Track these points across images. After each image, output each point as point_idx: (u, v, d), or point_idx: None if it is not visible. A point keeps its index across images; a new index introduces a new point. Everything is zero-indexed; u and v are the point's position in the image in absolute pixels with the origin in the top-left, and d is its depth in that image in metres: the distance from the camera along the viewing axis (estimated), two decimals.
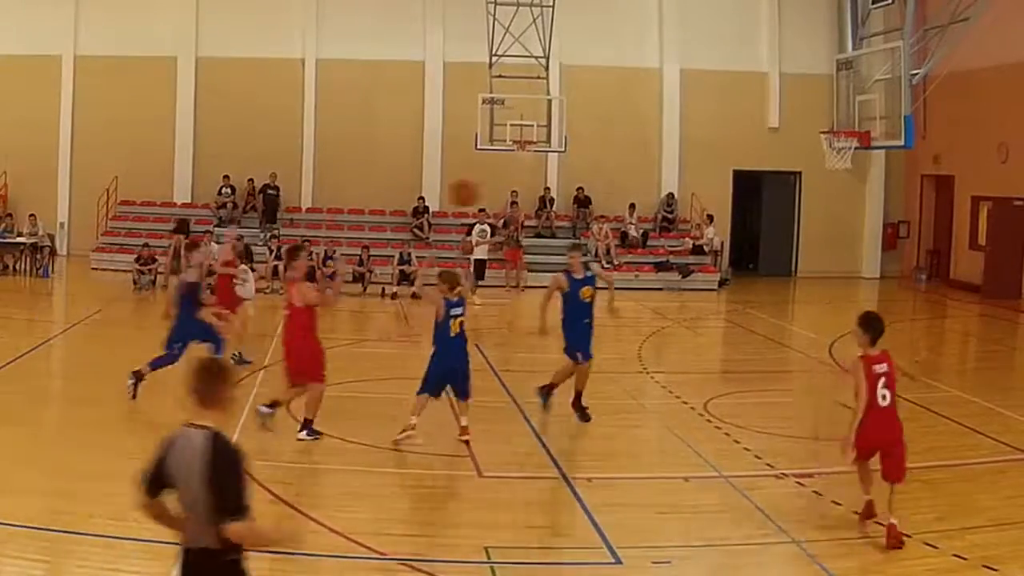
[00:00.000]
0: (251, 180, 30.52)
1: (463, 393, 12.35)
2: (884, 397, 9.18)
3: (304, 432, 12.15)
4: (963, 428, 13.44)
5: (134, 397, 13.52)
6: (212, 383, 5.41)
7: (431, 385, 12.18)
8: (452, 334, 12.11)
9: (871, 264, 33.04)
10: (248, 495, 5.24)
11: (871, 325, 9.47)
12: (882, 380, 9.19)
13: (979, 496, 10.64)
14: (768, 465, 11.69)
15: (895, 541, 9.06)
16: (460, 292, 12.29)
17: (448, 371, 12.18)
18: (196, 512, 5.28)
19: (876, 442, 9.23)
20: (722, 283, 29.99)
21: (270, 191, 30.28)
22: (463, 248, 25.78)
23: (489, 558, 8.72)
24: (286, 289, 12.59)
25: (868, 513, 9.49)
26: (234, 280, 16.90)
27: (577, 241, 15.64)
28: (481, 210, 27.42)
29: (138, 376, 13.67)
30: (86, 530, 8.82)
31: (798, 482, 11.04)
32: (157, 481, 5.43)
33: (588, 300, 13.44)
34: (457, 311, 12.16)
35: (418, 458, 11.71)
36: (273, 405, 12.23)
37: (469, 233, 26.45)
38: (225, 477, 5.21)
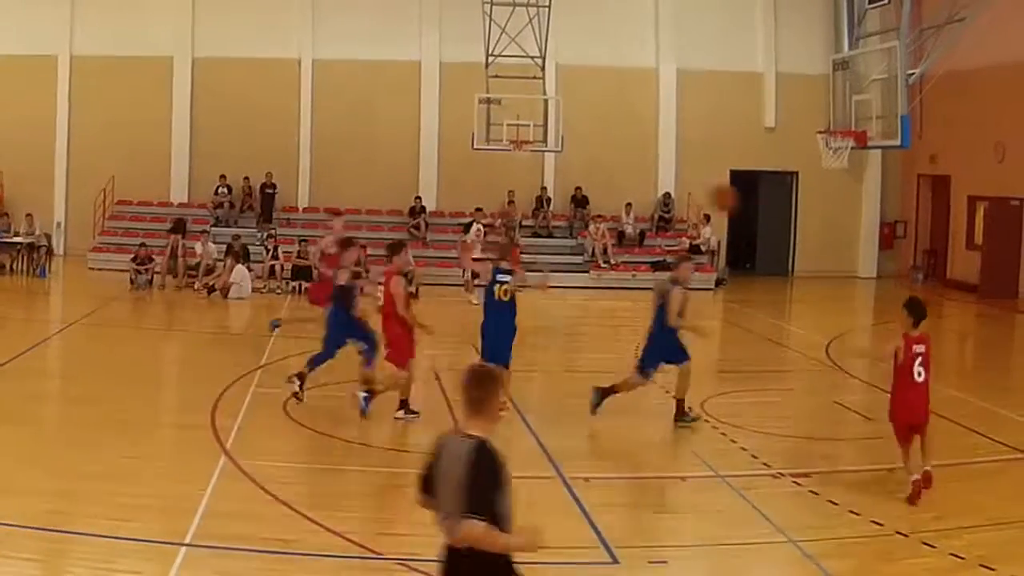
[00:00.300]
0: (247, 178, 30.49)
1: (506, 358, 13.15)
2: (919, 374, 10.29)
3: (401, 411, 13.06)
4: (960, 428, 13.46)
5: (301, 400, 13.61)
6: (484, 391, 5.58)
7: (493, 356, 12.92)
8: (496, 297, 13.21)
9: (868, 264, 33.06)
10: (500, 504, 5.40)
11: (915, 308, 10.54)
12: (919, 359, 10.30)
13: (977, 496, 10.65)
14: (765, 464, 11.71)
15: (928, 484, 10.31)
16: (509, 264, 13.46)
17: (499, 334, 13.14)
18: (453, 513, 5.48)
19: (912, 419, 10.40)
20: (719, 283, 30.00)
21: (268, 190, 30.28)
22: (462, 248, 25.72)
23: None
24: (384, 280, 13.32)
25: (917, 493, 10.26)
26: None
27: (687, 254, 16.04)
28: (478, 209, 27.41)
29: (301, 377, 13.70)
30: (85, 530, 8.82)
31: (795, 481, 11.05)
32: (430, 481, 5.68)
33: None
34: (503, 278, 13.27)
35: (415, 458, 11.68)
36: (403, 405, 13.15)
37: (466, 232, 26.46)
38: (477, 480, 5.39)
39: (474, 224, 26.61)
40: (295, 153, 31.36)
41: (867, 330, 24.21)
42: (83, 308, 22.28)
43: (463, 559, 5.48)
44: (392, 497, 10.37)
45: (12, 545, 8.39)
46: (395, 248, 13.60)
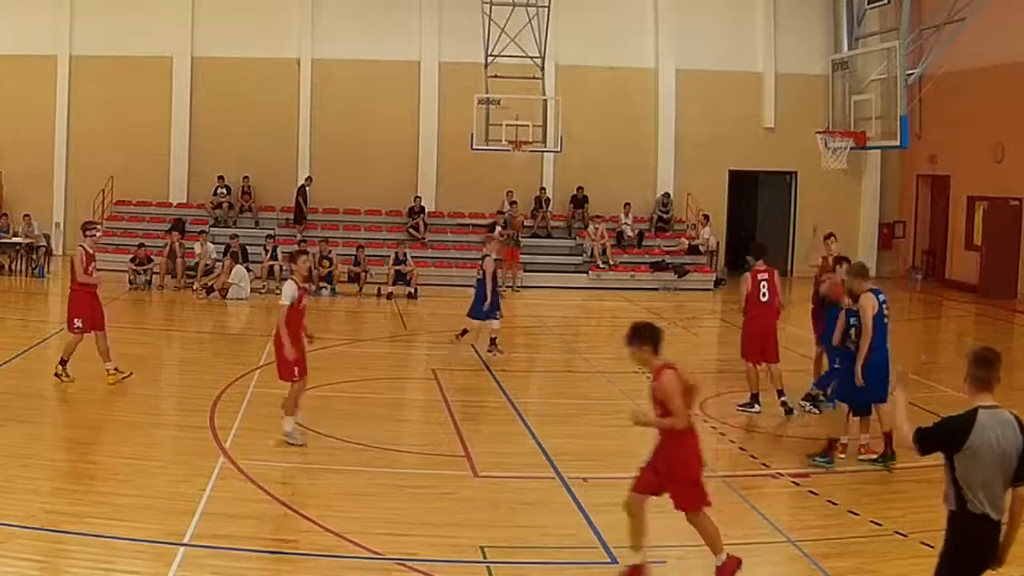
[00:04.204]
0: (246, 177, 30.47)
1: None
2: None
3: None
4: None
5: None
6: (992, 370, 6.31)
7: None
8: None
9: (867, 264, 32.94)
10: None
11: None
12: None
13: None
14: (764, 464, 11.71)
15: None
16: None
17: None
18: (999, 481, 6.05)
19: None
20: (718, 283, 30.00)
21: (301, 195, 30.15)
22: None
23: (485, 558, 8.72)
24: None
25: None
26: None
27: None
28: (501, 211, 27.24)
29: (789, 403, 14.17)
30: (84, 530, 8.81)
31: (794, 481, 11.05)
32: (937, 445, 6.33)
33: None
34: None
35: (414, 458, 11.71)
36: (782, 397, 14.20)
37: (492, 230, 26.00)
38: None
39: (496, 227, 26.42)
40: (294, 153, 31.36)
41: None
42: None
43: (995, 528, 6.04)
44: (391, 497, 10.36)
45: (12, 545, 8.38)
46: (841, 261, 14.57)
